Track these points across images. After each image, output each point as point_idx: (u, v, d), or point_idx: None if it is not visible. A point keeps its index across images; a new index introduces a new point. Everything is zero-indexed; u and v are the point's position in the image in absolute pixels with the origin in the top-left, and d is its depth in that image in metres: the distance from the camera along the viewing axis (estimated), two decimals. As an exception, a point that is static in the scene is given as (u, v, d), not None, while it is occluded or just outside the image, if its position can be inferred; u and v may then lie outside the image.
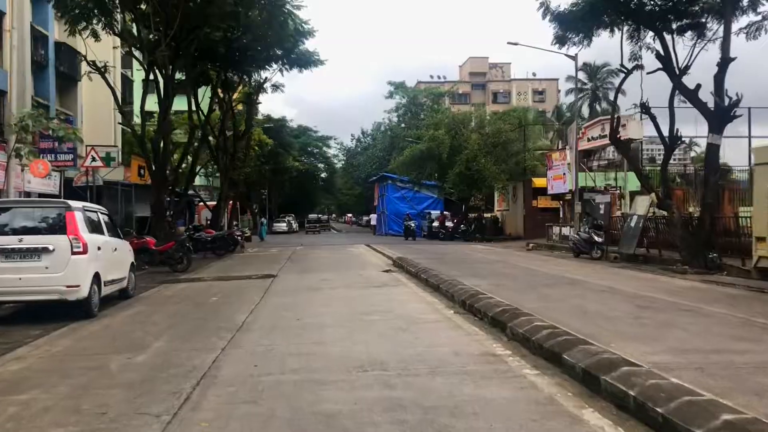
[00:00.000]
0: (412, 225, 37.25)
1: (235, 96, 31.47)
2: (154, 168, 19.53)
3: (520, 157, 36.55)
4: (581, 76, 74.97)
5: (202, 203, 39.41)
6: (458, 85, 53.96)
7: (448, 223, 39.04)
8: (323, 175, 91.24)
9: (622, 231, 20.65)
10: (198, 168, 41.27)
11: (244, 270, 17.20)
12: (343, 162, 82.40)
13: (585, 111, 73.72)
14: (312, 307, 10.01)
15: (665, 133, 17.88)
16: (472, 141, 34.94)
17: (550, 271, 15.65)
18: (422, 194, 46.08)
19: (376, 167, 62.57)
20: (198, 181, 53.24)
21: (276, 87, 31.99)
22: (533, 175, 36.53)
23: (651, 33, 17.93)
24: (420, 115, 54.82)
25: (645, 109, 18.29)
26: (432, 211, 41.66)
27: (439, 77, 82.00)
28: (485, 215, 39.81)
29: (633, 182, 28.89)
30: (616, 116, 19.42)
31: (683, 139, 17.80)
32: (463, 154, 34.64)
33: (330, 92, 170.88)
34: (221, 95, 28.99)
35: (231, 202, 33.35)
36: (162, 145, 19.45)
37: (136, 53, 19.45)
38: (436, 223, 39.58)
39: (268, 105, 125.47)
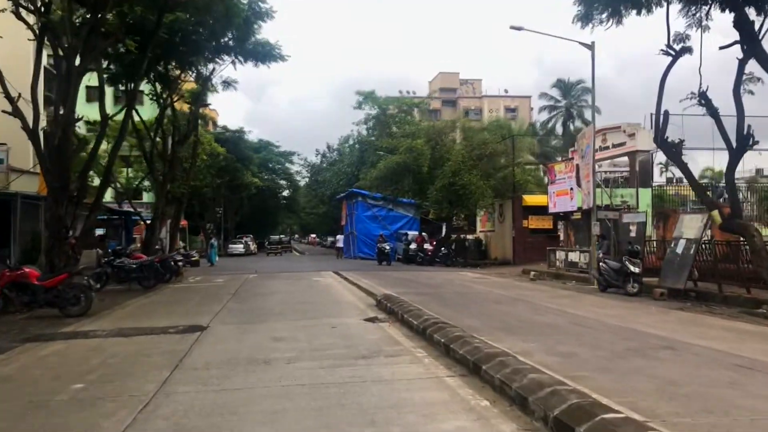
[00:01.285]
0: (387, 248, 32.47)
1: (178, 100, 26.44)
2: (49, 172, 14.34)
3: (508, 172, 32.30)
4: (555, 93, 72.44)
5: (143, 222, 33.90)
6: (429, 100, 49.80)
7: (427, 246, 34.37)
8: (285, 192, 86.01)
9: (664, 259, 16.25)
10: (138, 181, 36.01)
11: (166, 315, 12.15)
12: (307, 179, 77.28)
13: (558, 129, 70.75)
14: (249, 419, 5.10)
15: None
16: (455, 152, 30.52)
17: (601, 318, 11.06)
18: (396, 213, 41.42)
19: (343, 183, 57.73)
20: (147, 197, 47.78)
21: (228, 84, 27.11)
22: (523, 191, 32.29)
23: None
24: (391, 127, 50.36)
25: (705, 100, 14.03)
26: (409, 232, 36.98)
27: (408, 92, 78.10)
28: (468, 237, 35.29)
29: (644, 200, 24.83)
30: (662, 113, 15.01)
31: (755, 139, 13.51)
32: (447, 167, 30.17)
33: (292, 111, 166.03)
34: (158, 90, 23.94)
35: (171, 220, 27.98)
36: (58, 142, 14.24)
37: (26, 15, 14.32)
38: (413, 246, 34.89)
39: (227, 119, 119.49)
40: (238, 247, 57.69)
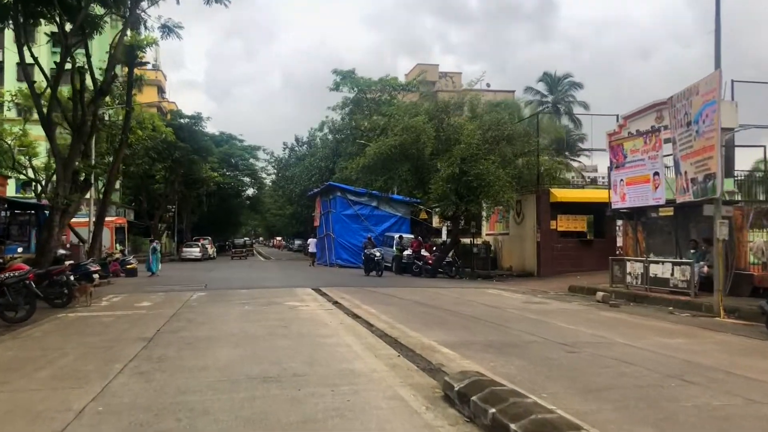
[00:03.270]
0: (377, 255, 25.46)
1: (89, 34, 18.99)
2: None
3: (531, 160, 25.72)
4: (540, 87, 66.68)
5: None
6: (417, 83, 43.10)
7: (425, 253, 27.51)
8: (250, 191, 78.27)
9: None
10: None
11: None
12: (273, 175, 69.66)
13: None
14: None
15: None
16: (467, 133, 23.72)
17: None
18: (383, 212, 34.50)
19: (315, 180, 50.56)
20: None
21: (168, 29, 19.84)
22: (551, 183, 25.76)
23: None
24: (372, 115, 43.45)
25: None
26: (397, 235, 30.11)
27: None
28: (475, 242, 28.58)
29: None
30: None
31: None
32: (456, 151, 23.37)
33: (257, 112, 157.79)
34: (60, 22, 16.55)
35: (96, 216, 20.49)
36: None
37: None
38: (407, 252, 28.01)
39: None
40: (194, 251, 49.93)
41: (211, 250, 56.24)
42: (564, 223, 25.45)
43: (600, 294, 15.67)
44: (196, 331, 9.90)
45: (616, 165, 17.84)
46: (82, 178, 18.36)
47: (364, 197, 34.38)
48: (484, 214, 27.99)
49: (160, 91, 73.64)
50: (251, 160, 69.89)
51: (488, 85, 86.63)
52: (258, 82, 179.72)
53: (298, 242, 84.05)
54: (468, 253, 27.91)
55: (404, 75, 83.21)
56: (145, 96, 54.86)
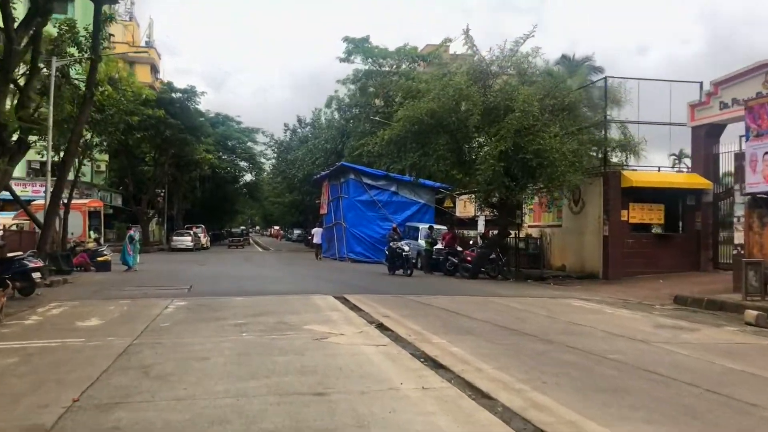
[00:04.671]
0: (406, 249, 20.58)
1: None
2: None
3: (598, 137, 20.87)
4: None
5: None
6: (441, 51, 38.04)
7: (460, 248, 22.67)
8: (248, 177, 73.24)
9: None
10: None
11: None
12: (273, 160, 64.57)
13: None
14: None
15: None
16: (523, 99, 18.71)
17: None
18: (403, 197, 29.61)
19: (320, 163, 45.59)
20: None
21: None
22: (622, 165, 20.90)
23: None
24: (388, 91, 38.45)
25: None
26: (423, 225, 25.24)
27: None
28: (517, 235, 23.69)
29: None
30: None
31: None
32: (509, 120, 18.43)
33: (255, 101, 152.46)
34: None
35: (50, 194, 15.50)
36: None
37: None
38: (439, 245, 23.18)
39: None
40: (185, 241, 45.12)
41: (204, 239, 51.42)
42: (637, 213, 20.64)
43: (753, 314, 10.86)
44: (149, 406, 5.00)
45: (757, 133, 12.97)
46: (13, 139, 13.41)
47: (382, 180, 29.53)
48: (526, 202, 23.04)
49: (154, 70, 68.45)
50: (249, 144, 64.93)
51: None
52: (256, 70, 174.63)
53: (297, 232, 79.33)
54: (505, 249, 23.00)
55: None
56: (138, 75, 49.82)
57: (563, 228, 23.19)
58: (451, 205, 31.68)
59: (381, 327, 9.22)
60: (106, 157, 45.84)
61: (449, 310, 11.44)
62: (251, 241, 79.51)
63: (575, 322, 10.26)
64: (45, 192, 17.37)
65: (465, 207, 31.81)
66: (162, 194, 48.96)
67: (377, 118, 34.15)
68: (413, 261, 21.00)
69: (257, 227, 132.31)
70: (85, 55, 18.33)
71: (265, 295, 13.66)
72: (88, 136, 23.37)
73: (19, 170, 30.97)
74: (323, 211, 37.03)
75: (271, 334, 8.43)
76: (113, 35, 56.10)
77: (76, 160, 24.28)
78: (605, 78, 20.98)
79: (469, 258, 21.29)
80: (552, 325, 9.93)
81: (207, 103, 60.13)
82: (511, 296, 14.55)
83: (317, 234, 35.23)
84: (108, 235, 37.45)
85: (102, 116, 19.85)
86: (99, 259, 22.16)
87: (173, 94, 43.62)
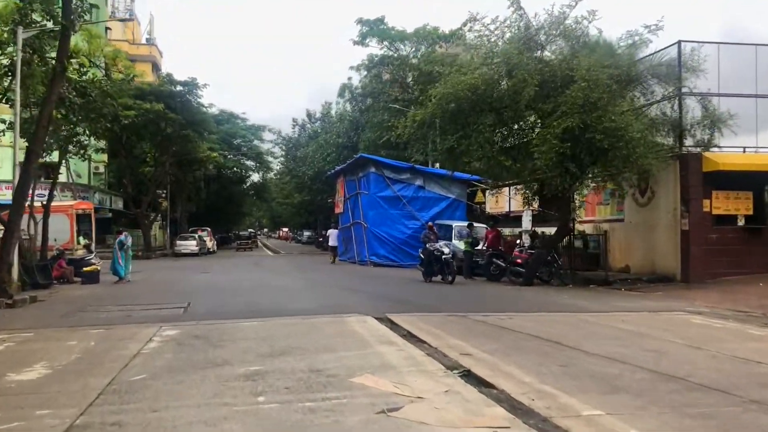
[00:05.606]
0: (446, 251, 17.27)
1: None
2: None
3: (671, 114, 17.51)
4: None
5: None
6: (465, 30, 34.69)
7: (500, 247, 19.34)
8: (255, 177, 70.06)
9: None
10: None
11: None
12: (281, 158, 61.34)
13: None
14: None
15: None
16: (588, 67, 15.33)
17: None
18: (430, 192, 26.27)
19: (331, 159, 42.36)
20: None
21: None
22: (705, 145, 17.47)
23: None
24: (407, 78, 35.19)
25: None
26: (457, 223, 21.94)
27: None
28: (572, 231, 20.29)
29: None
30: None
31: None
32: (574, 92, 15.07)
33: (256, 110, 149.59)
34: None
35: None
36: None
37: None
38: (480, 246, 19.87)
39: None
40: (189, 245, 42.04)
41: (210, 243, 48.28)
42: (722, 203, 17.30)
43: None
44: None
45: None
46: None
47: (406, 173, 26.26)
48: (580, 192, 19.63)
49: (156, 68, 65.52)
50: (256, 142, 61.81)
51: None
52: (266, 66, 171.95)
53: (307, 233, 76.27)
54: (569, 249, 19.65)
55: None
56: (139, 72, 46.76)
57: (626, 223, 19.81)
58: (482, 199, 28.37)
59: (471, 377, 5.95)
60: (104, 157, 42.88)
61: (546, 338, 8.14)
62: (259, 243, 76.61)
63: (744, 358, 6.95)
64: (15, 189, 14.16)
65: (497, 202, 28.51)
66: (164, 195, 45.82)
67: (397, 106, 30.87)
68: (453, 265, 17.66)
69: (265, 229, 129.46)
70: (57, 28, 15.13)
71: (283, 316, 10.40)
72: (85, 134, 20.31)
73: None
74: (338, 210, 33.75)
75: (305, 399, 5.16)
76: (110, 28, 53.31)
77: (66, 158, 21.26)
78: (679, 42, 17.54)
79: (519, 260, 17.97)
80: (718, 365, 6.62)
81: (210, 100, 57.07)
82: (603, 312, 11.23)
83: (333, 236, 31.89)
84: (108, 240, 34.37)
85: (84, 100, 16.64)
86: (86, 269, 19.01)
87: (173, 87, 40.44)
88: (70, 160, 30.26)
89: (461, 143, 16.95)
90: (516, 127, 17.52)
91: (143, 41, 65.22)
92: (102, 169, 45.11)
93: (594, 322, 9.83)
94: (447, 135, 17.25)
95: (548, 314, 10.81)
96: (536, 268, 17.26)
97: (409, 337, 8.24)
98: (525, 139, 16.95)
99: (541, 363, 6.55)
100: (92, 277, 18.88)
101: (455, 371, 6.16)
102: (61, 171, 26.04)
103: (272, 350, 7.31)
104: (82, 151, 20.98)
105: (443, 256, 17.17)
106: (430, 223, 19.88)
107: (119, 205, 44.76)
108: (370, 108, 37.28)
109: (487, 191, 28.16)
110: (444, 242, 18.21)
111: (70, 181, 34.67)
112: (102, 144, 38.88)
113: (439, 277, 17.54)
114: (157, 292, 15.91)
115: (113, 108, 17.74)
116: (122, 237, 19.19)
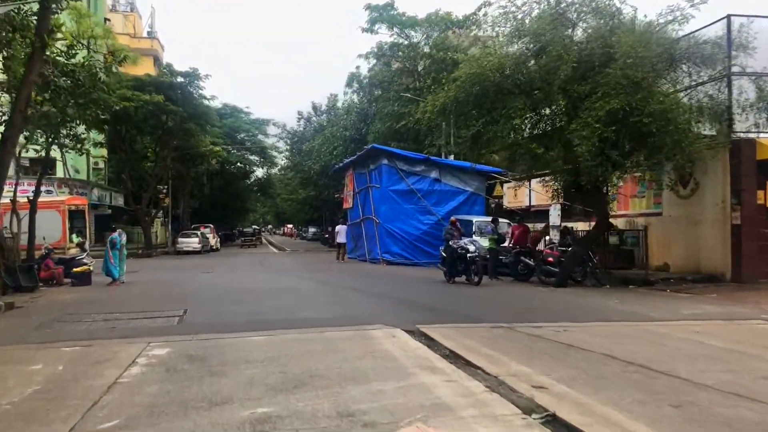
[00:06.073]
0: (471, 249, 15.63)
1: None
2: None
3: (719, 97, 15.79)
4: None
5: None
6: (480, 15, 32.96)
7: (538, 246, 17.70)
8: (259, 172, 68.54)
9: None
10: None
11: None
12: (286, 152, 59.72)
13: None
14: None
15: None
16: (629, 44, 13.64)
17: None
18: (447, 185, 24.58)
19: (338, 153, 40.75)
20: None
21: None
22: (758, 131, 15.77)
23: None
24: (418, 66, 33.51)
25: None
26: (500, 220, 20.26)
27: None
28: (609, 228, 18.54)
29: None
30: None
31: None
32: (616, 68, 13.39)
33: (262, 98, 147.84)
34: None
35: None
36: None
37: None
38: (506, 243, 18.24)
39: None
40: (191, 242, 40.57)
41: (213, 240, 46.75)
42: (776, 195, 15.60)
43: None
44: None
45: None
46: None
47: (421, 165, 24.62)
48: (615, 184, 17.88)
49: (157, 62, 63.95)
50: (260, 137, 60.25)
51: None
52: (266, 62, 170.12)
53: (312, 230, 74.75)
54: (604, 246, 17.98)
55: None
56: (140, 68, 45.15)
57: (665, 217, 18.13)
58: (501, 192, 26.73)
59: (558, 425, 4.34)
60: (104, 152, 41.39)
61: (625, 359, 6.50)
62: (264, 240, 75.13)
63: None
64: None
65: (515, 196, 26.85)
66: (165, 190, 44.28)
67: (408, 95, 29.22)
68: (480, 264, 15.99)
69: (269, 226, 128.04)
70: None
71: (295, 328, 8.78)
72: (81, 128, 18.79)
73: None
74: (347, 204, 32.11)
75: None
76: (109, 20, 51.71)
77: (67, 152, 19.75)
78: (728, 17, 15.81)
79: (551, 259, 16.32)
80: None
81: (212, 93, 55.52)
82: (668, 320, 9.60)
83: (341, 232, 30.24)
84: (107, 238, 32.86)
85: (71, 81, 15.05)
86: (76, 269, 17.47)
87: (174, 79, 38.84)
88: (67, 155, 28.87)
89: (488, 129, 15.28)
90: (548, 111, 15.80)
91: (144, 35, 63.68)
92: (101, 165, 43.64)
93: (667, 335, 8.20)
94: (471, 121, 15.58)
95: (608, 324, 9.17)
96: (571, 268, 15.59)
97: (454, 358, 6.62)
98: (559, 124, 15.24)
99: (644, 401, 4.92)
100: (83, 279, 17.36)
101: (535, 416, 4.54)
102: (54, 165, 24.51)
103: (285, 379, 5.71)
104: (79, 145, 19.54)
105: (468, 255, 15.53)
106: (453, 218, 18.20)
107: (119, 201, 43.24)
108: (379, 98, 35.60)
109: (505, 185, 26.54)
110: (468, 239, 16.53)
111: (67, 176, 33.18)
112: (101, 138, 37.46)
113: (462, 278, 15.92)
114: (152, 295, 14.34)
115: (104, 92, 16.11)
116: (114, 235, 17.63)
